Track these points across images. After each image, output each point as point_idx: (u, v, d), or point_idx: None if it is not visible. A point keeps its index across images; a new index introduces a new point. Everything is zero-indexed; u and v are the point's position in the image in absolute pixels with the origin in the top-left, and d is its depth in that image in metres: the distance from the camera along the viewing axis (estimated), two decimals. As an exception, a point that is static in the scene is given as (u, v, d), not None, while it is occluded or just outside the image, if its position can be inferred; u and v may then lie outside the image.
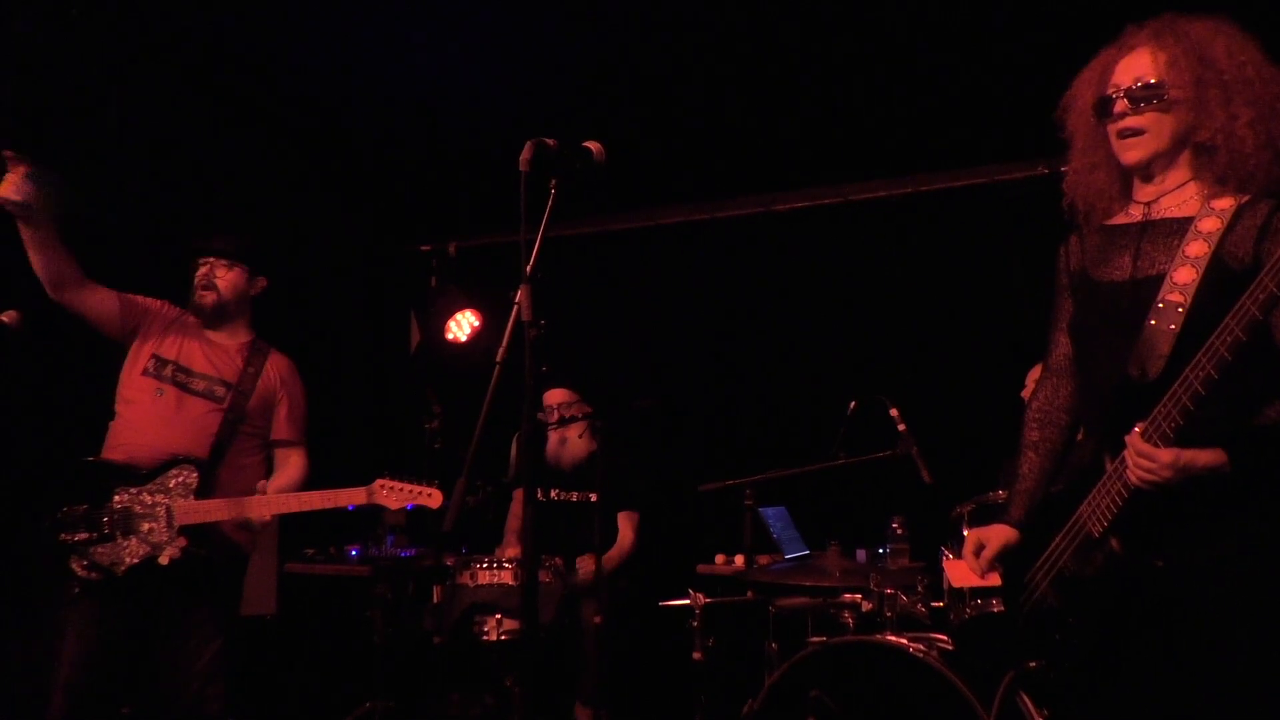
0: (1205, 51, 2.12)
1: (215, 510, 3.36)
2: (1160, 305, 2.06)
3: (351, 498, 3.50)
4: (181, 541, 3.30)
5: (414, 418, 5.76)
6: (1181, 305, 2.03)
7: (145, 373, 3.48)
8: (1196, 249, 2.07)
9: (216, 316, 3.61)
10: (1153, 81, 2.13)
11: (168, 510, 3.32)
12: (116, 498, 3.32)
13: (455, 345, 6.27)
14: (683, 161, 5.42)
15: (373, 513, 5.26)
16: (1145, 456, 1.97)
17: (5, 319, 3.27)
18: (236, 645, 3.52)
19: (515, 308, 2.24)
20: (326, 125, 5.35)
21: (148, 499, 3.32)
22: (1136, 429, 1.99)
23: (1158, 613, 2.01)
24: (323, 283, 5.93)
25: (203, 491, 3.36)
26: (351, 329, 6.27)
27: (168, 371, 3.48)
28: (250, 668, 4.60)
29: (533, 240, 2.27)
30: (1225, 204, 2.11)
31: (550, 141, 2.33)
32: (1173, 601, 2.00)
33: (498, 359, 2.26)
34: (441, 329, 6.28)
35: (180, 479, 3.35)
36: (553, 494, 4.94)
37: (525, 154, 2.29)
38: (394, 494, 3.51)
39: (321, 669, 5.15)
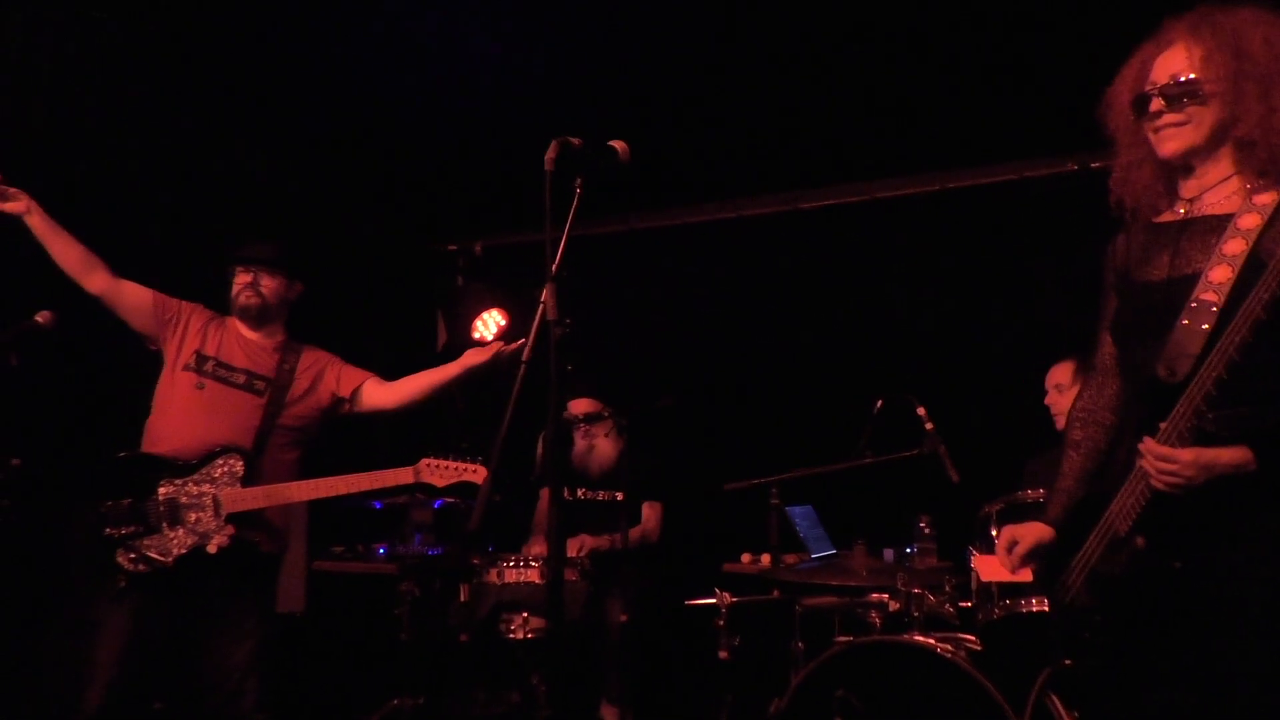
0: (1242, 44, 2.07)
1: (262, 497, 3.41)
2: (1194, 305, 2.02)
3: (398, 477, 3.53)
4: (230, 529, 3.36)
5: (440, 416, 5.78)
6: (1216, 304, 1.99)
7: (186, 368, 3.55)
8: (1234, 247, 2.03)
9: (259, 320, 3.68)
10: (1187, 78, 2.10)
11: (215, 499, 3.37)
12: (161, 490, 3.37)
13: (481, 344, 6.28)
14: (708, 160, 5.41)
15: (400, 511, 5.29)
16: (1165, 459, 1.94)
17: (40, 319, 3.33)
18: (272, 640, 3.55)
19: (541, 307, 2.25)
20: (354, 126, 5.38)
21: (194, 489, 3.37)
22: (1154, 433, 1.98)
23: (1179, 613, 2.00)
24: (350, 281, 5.96)
25: (248, 480, 3.42)
26: (378, 327, 6.30)
27: (209, 367, 3.55)
28: (279, 664, 4.64)
29: (558, 240, 2.27)
30: (1268, 199, 2.06)
31: (575, 141, 2.33)
32: (1193, 602, 1.98)
33: (523, 358, 2.26)
34: (468, 328, 6.30)
35: (226, 468, 3.40)
36: (579, 493, 4.96)
37: (550, 153, 2.29)
38: (440, 471, 3.55)
39: (349, 666, 5.18)
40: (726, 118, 5.08)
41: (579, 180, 2.34)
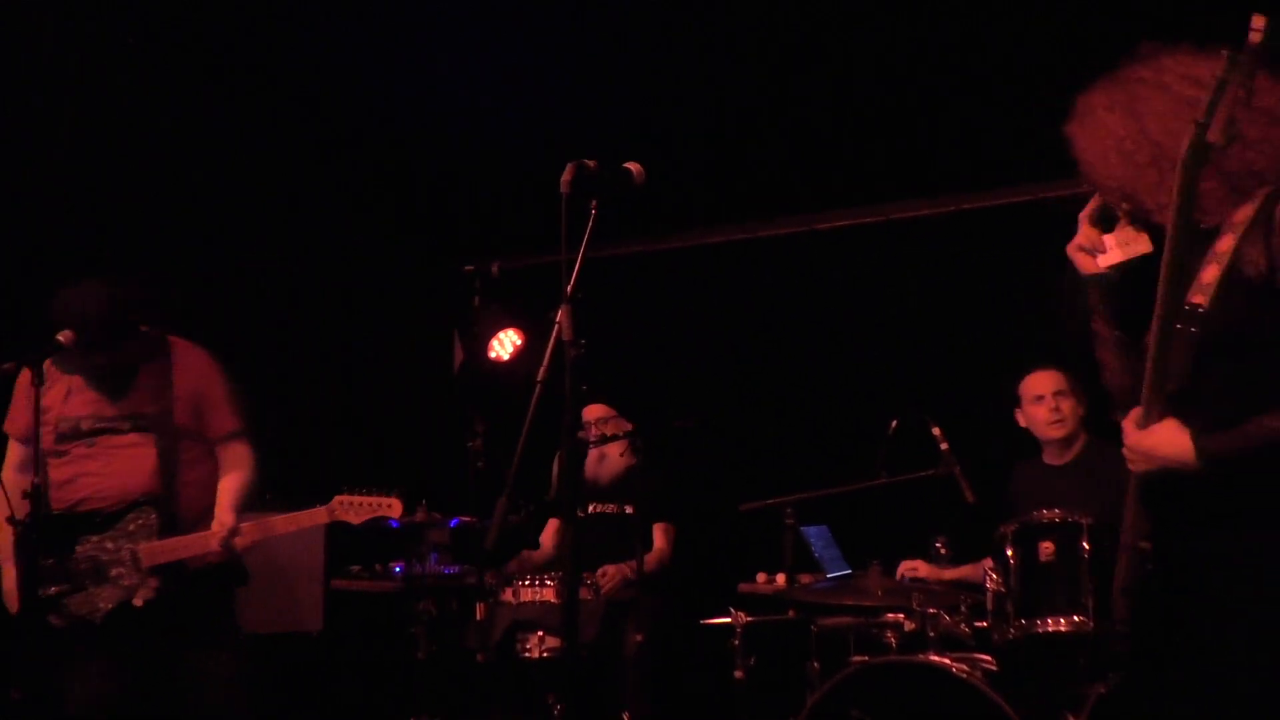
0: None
1: (180, 548, 3.28)
2: (1185, 308, 2.05)
3: (313, 518, 3.44)
4: (153, 582, 3.25)
5: (457, 436, 5.81)
6: (1201, 307, 2.03)
7: (64, 438, 3.33)
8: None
9: (127, 375, 3.40)
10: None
11: (133, 554, 3.26)
12: (79, 548, 3.28)
13: (498, 364, 6.32)
14: (724, 181, 5.44)
15: (417, 530, 5.31)
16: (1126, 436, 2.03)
17: (62, 339, 3.28)
18: (262, 660, 3.50)
19: (556, 327, 2.27)
20: (372, 146, 5.43)
21: (110, 545, 3.28)
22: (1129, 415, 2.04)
23: (1186, 618, 2.03)
24: (367, 301, 6.01)
25: (165, 529, 3.29)
26: (395, 348, 6.34)
27: (86, 425, 3.36)
28: (295, 684, 4.65)
29: (573, 261, 2.29)
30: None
31: (591, 163, 2.35)
32: (1205, 594, 2.00)
33: (539, 378, 2.28)
34: (484, 348, 6.33)
35: (139, 522, 3.30)
36: (591, 507, 4.94)
37: (566, 176, 2.30)
38: (354, 509, 3.45)
39: (366, 685, 5.19)
40: (742, 140, 5.12)
41: (594, 202, 2.35)
